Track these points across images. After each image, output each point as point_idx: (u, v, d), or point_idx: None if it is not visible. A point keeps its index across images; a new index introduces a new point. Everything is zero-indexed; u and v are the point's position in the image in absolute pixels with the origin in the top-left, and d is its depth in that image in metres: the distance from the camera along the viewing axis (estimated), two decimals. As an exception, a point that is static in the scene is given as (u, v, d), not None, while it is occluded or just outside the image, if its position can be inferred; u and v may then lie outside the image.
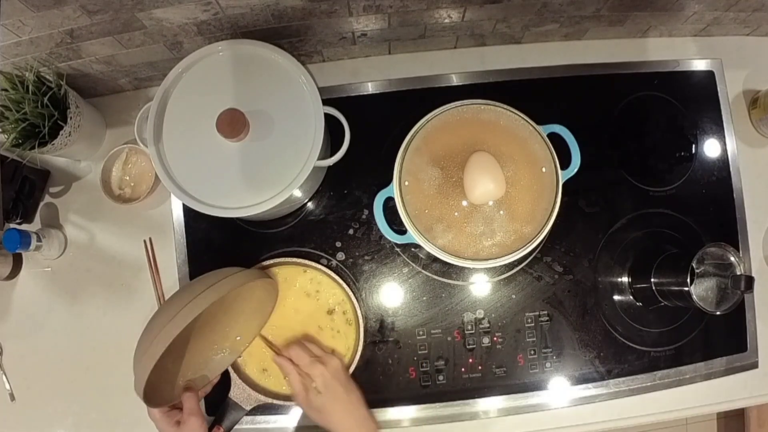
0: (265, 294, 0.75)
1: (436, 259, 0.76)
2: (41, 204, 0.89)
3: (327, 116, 0.72)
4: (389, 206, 0.72)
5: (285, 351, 0.75)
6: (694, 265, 0.72)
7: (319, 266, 0.79)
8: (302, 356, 0.72)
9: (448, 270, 0.84)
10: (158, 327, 0.62)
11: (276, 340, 0.78)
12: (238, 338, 0.77)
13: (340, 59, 0.91)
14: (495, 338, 0.83)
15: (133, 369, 0.64)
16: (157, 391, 0.69)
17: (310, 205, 0.86)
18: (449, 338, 0.83)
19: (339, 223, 0.85)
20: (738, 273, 0.73)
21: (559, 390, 0.82)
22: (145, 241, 0.88)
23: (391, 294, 0.84)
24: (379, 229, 0.74)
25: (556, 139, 0.73)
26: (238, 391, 0.76)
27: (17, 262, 0.88)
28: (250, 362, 0.78)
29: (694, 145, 0.88)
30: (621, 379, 0.82)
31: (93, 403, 0.85)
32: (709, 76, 0.90)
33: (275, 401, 0.76)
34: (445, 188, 0.71)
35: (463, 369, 0.82)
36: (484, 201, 0.69)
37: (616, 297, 0.85)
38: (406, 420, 0.81)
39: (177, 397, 0.71)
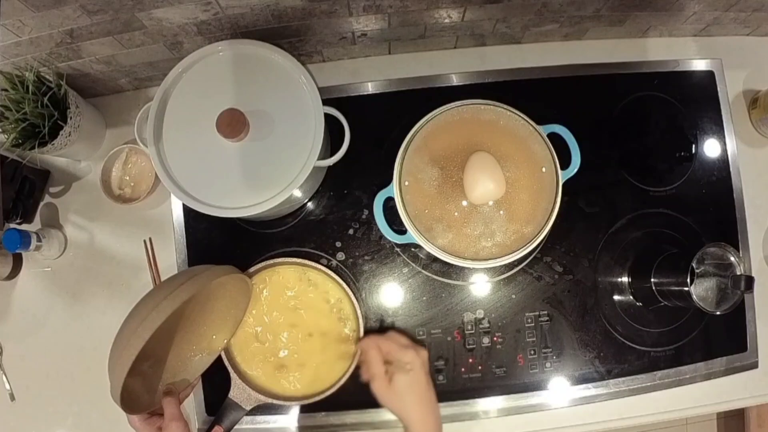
0: (237, 291, 0.75)
1: (436, 259, 0.76)
2: (41, 204, 0.89)
3: (327, 116, 0.72)
4: (389, 206, 0.72)
5: (372, 339, 0.74)
6: (694, 265, 0.72)
7: (319, 266, 0.79)
8: (391, 343, 0.72)
9: (448, 270, 0.84)
10: (128, 333, 0.60)
11: (280, 340, 0.78)
12: (214, 337, 0.76)
13: (340, 59, 0.91)
14: (495, 338, 0.83)
15: (108, 376, 0.62)
16: (136, 397, 0.68)
17: (310, 205, 0.86)
18: (449, 338, 0.83)
19: (339, 223, 0.85)
20: (738, 273, 0.73)
21: (559, 390, 0.82)
22: (145, 241, 0.88)
23: (391, 294, 0.84)
24: (379, 229, 0.74)
25: (556, 139, 0.73)
26: (238, 391, 0.76)
27: (17, 262, 0.88)
28: (246, 362, 0.78)
29: (694, 145, 0.88)
30: (621, 379, 0.82)
31: (93, 403, 0.85)
32: (709, 76, 0.90)
33: (275, 401, 0.76)
34: (445, 188, 0.71)
35: (463, 369, 0.82)
36: (484, 201, 0.69)
37: (616, 297, 0.85)
38: (406, 420, 0.81)
39: (157, 403, 0.69)
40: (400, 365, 0.70)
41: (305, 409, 0.81)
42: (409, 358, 0.70)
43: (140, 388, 0.70)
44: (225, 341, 0.77)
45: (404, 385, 0.69)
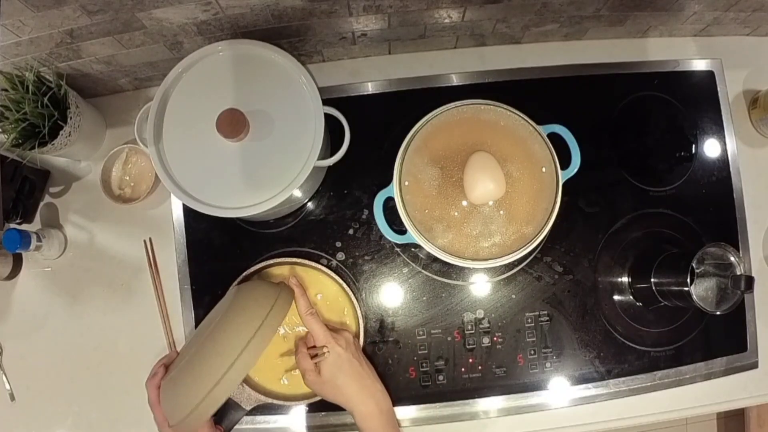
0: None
1: (436, 259, 0.76)
2: (41, 204, 0.89)
3: (327, 116, 0.72)
4: (389, 206, 0.72)
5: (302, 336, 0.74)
6: (694, 265, 0.72)
7: (319, 266, 0.79)
8: (312, 337, 0.72)
9: (448, 270, 0.84)
10: (208, 380, 0.58)
11: (281, 340, 0.78)
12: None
13: (340, 59, 0.91)
14: (495, 338, 0.83)
15: (173, 401, 0.60)
16: None
17: (310, 205, 0.86)
18: (449, 338, 0.83)
19: (339, 223, 0.85)
20: (738, 273, 0.73)
21: (559, 390, 0.82)
22: (145, 241, 0.88)
23: (391, 294, 0.84)
24: (379, 229, 0.74)
25: (556, 139, 0.73)
26: (238, 391, 0.76)
27: (17, 262, 0.88)
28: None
29: (694, 145, 0.88)
30: (621, 379, 0.82)
31: (93, 403, 0.85)
32: (709, 76, 0.90)
33: (275, 401, 0.76)
34: (445, 188, 0.71)
35: (463, 369, 0.82)
36: (484, 201, 0.69)
37: (616, 297, 0.85)
38: (406, 420, 0.81)
39: None
40: (319, 351, 0.70)
41: (305, 409, 0.81)
42: (322, 341, 0.70)
43: None
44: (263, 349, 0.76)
45: (329, 370, 0.69)
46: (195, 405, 0.58)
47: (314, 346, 0.73)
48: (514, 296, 0.84)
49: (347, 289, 0.78)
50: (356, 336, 0.77)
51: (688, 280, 0.71)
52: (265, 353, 0.77)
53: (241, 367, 0.59)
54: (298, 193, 0.74)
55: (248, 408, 0.76)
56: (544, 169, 0.71)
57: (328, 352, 0.70)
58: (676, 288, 0.75)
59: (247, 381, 0.77)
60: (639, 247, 0.85)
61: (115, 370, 0.85)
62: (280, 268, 0.80)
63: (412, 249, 0.85)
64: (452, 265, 0.72)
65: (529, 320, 0.83)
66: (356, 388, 0.70)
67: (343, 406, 0.71)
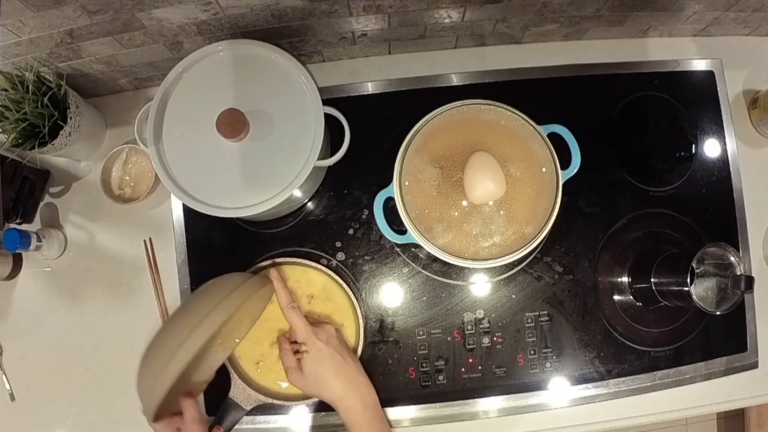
0: (259, 296, 0.75)
1: (436, 259, 0.76)
2: (41, 204, 0.89)
3: (327, 116, 0.72)
4: (389, 206, 0.72)
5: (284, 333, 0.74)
6: (694, 265, 0.72)
7: (319, 266, 0.79)
8: (294, 333, 0.72)
9: (448, 270, 0.84)
10: (170, 349, 0.60)
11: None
12: (237, 340, 0.77)
13: (340, 59, 0.91)
14: (495, 338, 0.83)
15: (139, 389, 0.62)
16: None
17: (310, 205, 0.86)
18: (449, 338, 0.83)
19: (339, 223, 0.85)
20: (738, 273, 0.73)
21: (559, 390, 0.82)
22: (145, 241, 0.88)
23: (391, 294, 0.84)
24: (379, 229, 0.74)
25: (556, 139, 0.73)
26: (238, 391, 0.76)
27: (17, 262, 0.88)
28: (243, 358, 0.78)
29: (694, 145, 0.88)
30: (621, 379, 0.82)
31: (93, 403, 0.85)
32: (709, 76, 0.90)
33: (275, 401, 0.76)
34: (445, 188, 0.71)
35: (463, 369, 0.82)
36: (485, 201, 0.69)
37: (616, 297, 0.85)
38: (406, 420, 0.81)
39: (175, 403, 0.69)
40: (301, 347, 0.70)
41: (305, 409, 0.81)
42: (302, 337, 0.70)
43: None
44: (239, 339, 0.77)
45: (310, 365, 0.69)
46: (149, 386, 0.60)
47: (296, 342, 0.72)
48: (514, 296, 0.84)
49: (347, 289, 0.78)
50: (338, 329, 0.76)
51: (688, 280, 0.71)
52: (264, 353, 0.78)
53: (190, 347, 0.59)
54: (298, 193, 0.74)
55: (248, 408, 0.76)
56: (544, 169, 0.71)
57: (309, 348, 0.69)
58: (676, 288, 0.75)
59: (247, 381, 0.77)
60: (639, 247, 0.85)
61: (115, 370, 0.85)
62: (280, 268, 0.80)
63: (412, 249, 0.85)
64: (452, 265, 0.72)
65: (529, 320, 0.83)
66: (339, 382, 0.69)
67: (329, 402, 0.70)
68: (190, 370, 0.74)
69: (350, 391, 0.70)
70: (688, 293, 0.72)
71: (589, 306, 0.84)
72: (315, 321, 0.76)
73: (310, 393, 0.71)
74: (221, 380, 0.77)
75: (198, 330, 0.60)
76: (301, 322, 0.72)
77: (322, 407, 0.80)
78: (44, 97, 0.75)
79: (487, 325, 0.83)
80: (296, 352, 0.72)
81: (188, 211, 0.85)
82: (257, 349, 0.78)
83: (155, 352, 0.62)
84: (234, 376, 0.77)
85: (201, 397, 0.81)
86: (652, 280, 0.79)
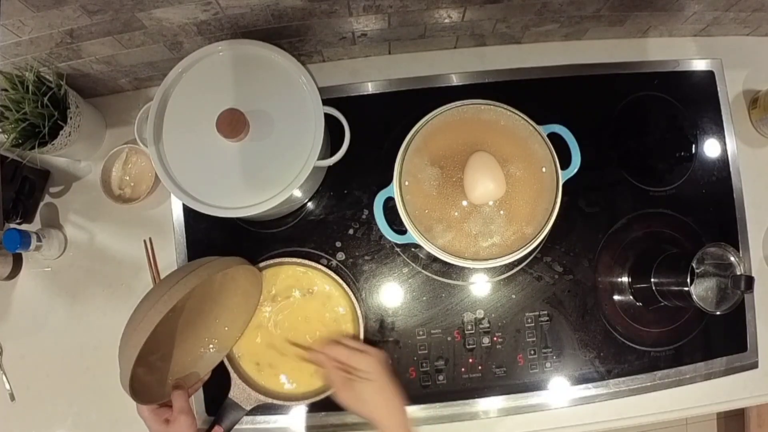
0: (249, 285, 0.76)
1: (436, 259, 0.76)
2: (41, 204, 0.89)
3: (327, 116, 0.72)
4: (389, 206, 0.72)
5: (321, 348, 0.73)
6: (694, 265, 0.72)
7: (319, 266, 0.79)
8: (341, 350, 0.72)
9: (448, 270, 0.84)
10: (140, 317, 0.62)
11: (282, 341, 0.78)
12: (226, 329, 0.77)
13: (340, 59, 0.91)
14: (495, 338, 0.83)
15: (119, 362, 0.64)
16: (146, 388, 0.69)
17: (310, 205, 0.86)
18: (449, 338, 0.83)
19: (339, 223, 0.85)
20: (738, 273, 0.73)
21: (559, 390, 0.82)
22: (145, 241, 0.88)
23: (391, 294, 0.84)
24: (379, 229, 0.74)
25: (556, 139, 0.73)
26: (238, 391, 0.76)
27: (17, 262, 0.88)
28: (244, 357, 0.78)
29: (694, 145, 0.88)
30: (621, 379, 0.82)
31: (93, 403, 0.85)
32: (709, 76, 0.90)
33: (275, 401, 0.76)
34: (445, 188, 0.71)
35: (463, 369, 0.82)
36: (485, 201, 0.69)
37: (616, 297, 0.85)
38: (406, 420, 0.81)
39: (167, 396, 0.71)
40: (360, 374, 0.69)
41: (305, 409, 0.81)
42: (365, 365, 0.70)
43: (150, 380, 0.71)
44: (237, 338, 0.77)
45: (369, 393, 0.69)
46: (123, 356, 0.63)
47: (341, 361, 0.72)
48: (514, 296, 0.84)
49: (347, 289, 0.78)
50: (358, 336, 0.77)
51: (688, 280, 0.71)
52: (266, 354, 0.78)
53: (158, 311, 0.61)
54: (298, 193, 0.74)
55: (248, 408, 0.76)
56: (544, 169, 0.71)
57: (373, 378, 0.69)
58: (676, 288, 0.75)
59: (247, 381, 0.77)
60: (639, 247, 0.85)
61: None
62: (281, 268, 0.80)
63: (412, 249, 0.85)
64: (452, 265, 0.72)
65: (529, 320, 0.83)
66: (388, 408, 0.69)
67: (369, 421, 0.69)
68: (183, 365, 0.75)
69: (396, 415, 0.69)
70: (688, 293, 0.71)
71: (589, 306, 0.84)
72: (362, 347, 0.74)
73: (355, 412, 0.70)
74: (221, 380, 0.77)
75: (167, 296, 0.62)
76: (353, 349, 0.72)
77: (322, 407, 0.80)
78: (44, 97, 0.75)
79: (487, 325, 0.83)
80: (345, 370, 0.71)
81: (188, 211, 0.85)
82: (265, 354, 0.79)
83: (130, 321, 0.65)
84: (234, 376, 0.77)
85: (201, 398, 0.81)
86: (652, 280, 0.79)
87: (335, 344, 0.73)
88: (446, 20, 0.82)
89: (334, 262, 0.84)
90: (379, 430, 0.68)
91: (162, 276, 0.87)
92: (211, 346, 0.77)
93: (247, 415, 0.76)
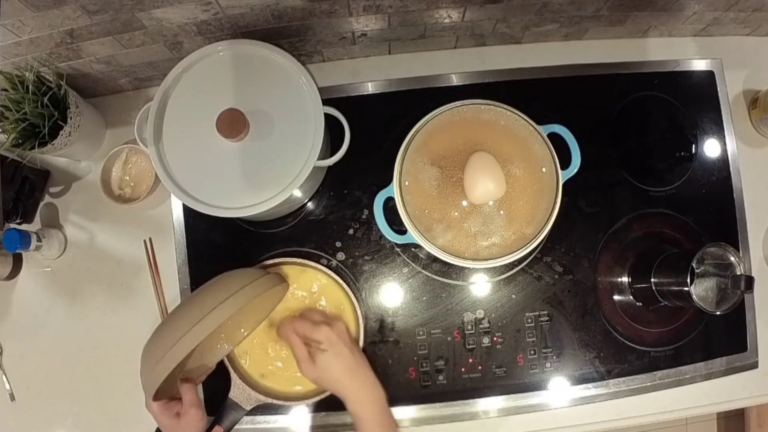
0: (275, 293, 0.75)
1: (436, 259, 0.76)
2: (41, 204, 0.89)
3: (327, 116, 0.72)
4: (389, 206, 0.72)
5: (288, 324, 0.74)
6: (694, 265, 0.72)
7: (319, 266, 0.79)
8: (305, 324, 0.72)
9: (448, 270, 0.84)
10: (177, 332, 0.61)
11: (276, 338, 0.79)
12: (243, 331, 0.77)
13: (340, 59, 0.91)
14: (495, 338, 0.83)
15: (144, 368, 0.63)
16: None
17: (310, 205, 0.86)
18: (449, 338, 0.83)
19: (339, 223, 0.85)
20: (738, 273, 0.73)
21: (559, 390, 0.82)
22: (145, 241, 0.88)
23: (391, 294, 0.84)
24: (379, 229, 0.74)
25: (556, 139, 0.73)
26: (238, 391, 0.76)
27: (17, 262, 0.88)
28: (251, 367, 0.78)
29: (694, 145, 0.88)
30: (621, 379, 0.82)
31: (93, 403, 0.85)
32: (709, 76, 0.90)
33: (275, 401, 0.76)
34: (445, 188, 0.71)
35: (463, 369, 0.82)
36: (484, 201, 0.69)
37: (616, 297, 0.85)
38: (406, 420, 0.81)
39: (175, 389, 0.71)
40: (319, 345, 0.70)
41: (305, 409, 0.81)
42: (322, 335, 0.70)
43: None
44: (247, 333, 0.77)
45: (326, 363, 0.70)
46: (152, 367, 0.62)
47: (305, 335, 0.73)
48: (514, 296, 0.84)
49: (347, 289, 0.78)
50: (348, 326, 0.77)
51: (688, 280, 0.71)
52: (264, 354, 0.78)
53: (195, 335, 0.61)
54: (298, 193, 0.74)
55: (248, 408, 0.76)
56: (544, 169, 0.71)
57: (329, 346, 0.70)
58: (676, 288, 0.75)
59: (247, 381, 0.77)
60: (639, 247, 0.85)
61: (115, 370, 0.85)
62: (281, 269, 0.80)
63: (412, 249, 0.85)
64: (452, 265, 0.72)
65: (529, 320, 0.83)
66: (351, 378, 0.70)
67: (338, 395, 0.70)
68: (192, 358, 0.75)
69: (360, 387, 0.70)
70: (688, 293, 0.72)
71: (589, 306, 0.84)
72: (324, 319, 0.75)
73: (320, 385, 0.72)
74: (221, 380, 0.77)
75: (206, 320, 0.61)
76: (315, 322, 0.72)
77: (322, 407, 0.80)
78: (44, 97, 0.75)
79: (487, 325, 0.83)
80: (306, 343, 0.72)
81: (188, 211, 0.85)
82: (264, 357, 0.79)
83: (162, 335, 0.63)
84: (234, 376, 0.77)
85: (201, 398, 0.81)
86: (652, 280, 0.79)
87: (300, 319, 0.74)
88: (446, 20, 0.82)
89: (334, 262, 0.84)
90: (346, 403, 0.68)
91: (162, 276, 0.87)
92: (220, 340, 0.77)
93: (247, 415, 0.76)
